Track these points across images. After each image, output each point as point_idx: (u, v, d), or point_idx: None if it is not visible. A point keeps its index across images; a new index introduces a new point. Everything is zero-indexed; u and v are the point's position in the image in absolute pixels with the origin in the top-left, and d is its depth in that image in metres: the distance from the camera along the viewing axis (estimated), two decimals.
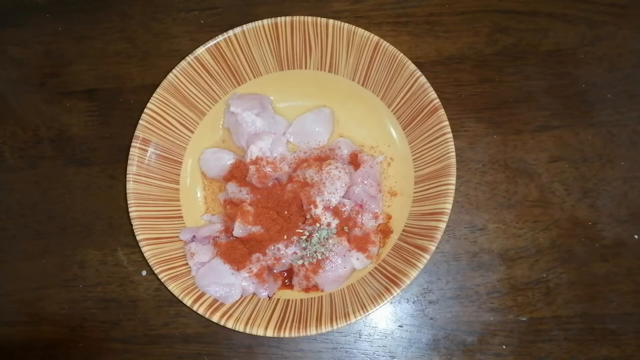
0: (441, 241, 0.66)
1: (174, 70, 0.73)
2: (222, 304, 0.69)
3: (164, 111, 0.74)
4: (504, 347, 0.74)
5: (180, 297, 0.68)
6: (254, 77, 0.79)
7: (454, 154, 0.68)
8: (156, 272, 0.68)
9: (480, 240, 0.77)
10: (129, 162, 0.72)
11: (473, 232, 0.78)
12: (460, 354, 0.75)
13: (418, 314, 0.76)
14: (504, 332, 0.75)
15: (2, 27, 0.90)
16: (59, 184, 0.84)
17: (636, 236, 0.76)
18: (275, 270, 0.73)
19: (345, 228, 0.72)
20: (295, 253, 0.71)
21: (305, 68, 0.78)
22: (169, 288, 0.68)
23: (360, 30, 0.71)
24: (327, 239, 0.71)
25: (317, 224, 0.71)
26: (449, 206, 0.66)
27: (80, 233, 0.82)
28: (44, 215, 0.83)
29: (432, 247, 0.65)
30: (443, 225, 0.66)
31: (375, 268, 0.72)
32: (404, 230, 0.72)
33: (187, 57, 0.73)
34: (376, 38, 0.71)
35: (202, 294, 0.69)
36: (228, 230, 0.74)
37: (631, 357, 0.73)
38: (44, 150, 0.86)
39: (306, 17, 0.72)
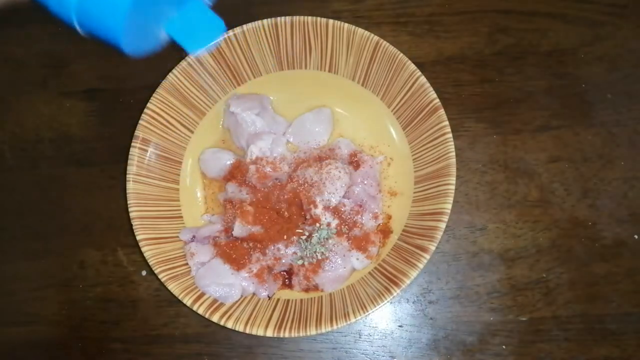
0: (441, 241, 0.66)
1: (174, 70, 0.73)
2: (222, 304, 0.69)
3: (164, 111, 0.74)
4: (504, 347, 0.74)
5: (180, 297, 0.68)
6: (254, 77, 0.79)
7: (454, 154, 0.68)
8: (156, 272, 0.68)
9: (480, 240, 0.77)
10: (129, 162, 0.72)
11: (473, 232, 0.78)
12: (460, 354, 0.75)
13: (418, 314, 0.76)
14: (504, 332, 0.75)
15: (2, 27, 0.90)
16: (59, 184, 0.84)
17: (636, 236, 0.76)
18: (275, 270, 0.73)
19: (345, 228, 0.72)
20: (295, 253, 0.71)
21: (305, 68, 0.78)
22: (169, 288, 0.68)
23: (360, 30, 0.71)
24: (327, 239, 0.71)
25: (317, 224, 0.71)
26: (449, 206, 0.66)
27: (80, 233, 0.82)
28: (44, 215, 0.83)
29: (432, 247, 0.65)
30: (443, 225, 0.66)
31: (375, 268, 0.72)
32: (403, 231, 0.72)
33: (187, 57, 0.73)
34: (376, 38, 0.71)
35: (202, 294, 0.69)
36: (228, 230, 0.74)
37: (631, 357, 0.73)
38: (44, 150, 0.85)
39: (306, 17, 0.72)
